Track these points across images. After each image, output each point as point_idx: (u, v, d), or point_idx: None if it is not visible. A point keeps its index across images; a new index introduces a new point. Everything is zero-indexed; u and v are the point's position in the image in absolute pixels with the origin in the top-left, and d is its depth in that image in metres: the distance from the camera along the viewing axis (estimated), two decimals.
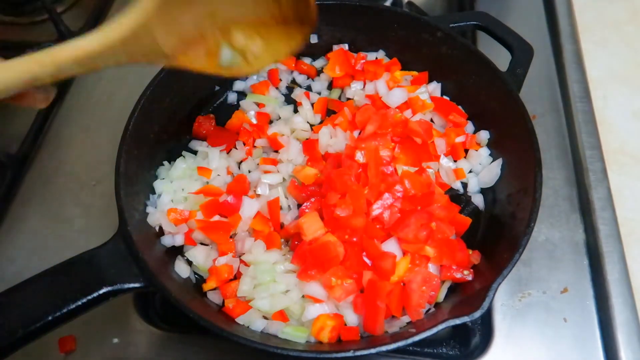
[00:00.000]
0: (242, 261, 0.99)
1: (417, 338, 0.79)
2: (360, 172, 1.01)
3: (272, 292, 0.93)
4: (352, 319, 0.92)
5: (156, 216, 1.01)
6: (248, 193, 1.06)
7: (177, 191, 1.06)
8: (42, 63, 0.62)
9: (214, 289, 0.97)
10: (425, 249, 0.94)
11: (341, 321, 0.91)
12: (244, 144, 1.15)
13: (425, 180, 1.02)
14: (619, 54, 1.41)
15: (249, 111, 1.20)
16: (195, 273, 1.01)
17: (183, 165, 1.10)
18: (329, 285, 0.91)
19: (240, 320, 0.92)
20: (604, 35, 1.45)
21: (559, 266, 1.05)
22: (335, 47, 1.26)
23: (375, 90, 1.19)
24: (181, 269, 0.98)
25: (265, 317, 0.93)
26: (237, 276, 0.98)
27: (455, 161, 1.13)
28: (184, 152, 1.13)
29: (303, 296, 0.94)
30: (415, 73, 1.22)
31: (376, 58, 1.24)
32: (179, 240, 1.01)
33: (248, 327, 0.92)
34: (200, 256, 0.99)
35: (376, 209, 0.97)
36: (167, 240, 1.00)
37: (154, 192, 1.06)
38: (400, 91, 1.16)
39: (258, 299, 0.92)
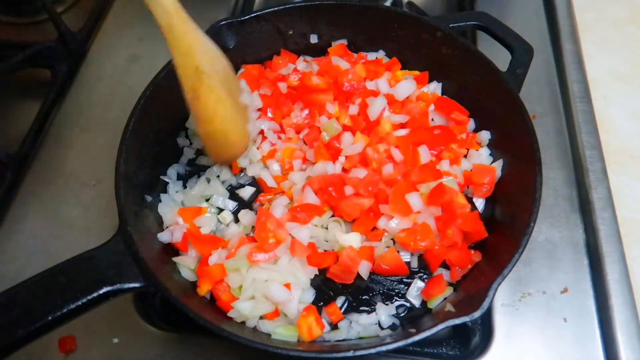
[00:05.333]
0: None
1: (417, 338, 0.79)
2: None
3: (253, 289, 0.93)
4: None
5: (169, 206, 1.04)
6: None
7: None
8: None
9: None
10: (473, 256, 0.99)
11: (316, 314, 0.91)
12: None
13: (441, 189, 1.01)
14: (619, 54, 1.41)
15: None
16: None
17: (198, 187, 1.11)
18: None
19: (232, 314, 0.92)
20: (604, 35, 1.45)
21: (559, 266, 1.05)
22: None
23: (376, 88, 1.19)
24: (186, 272, 0.98)
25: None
26: None
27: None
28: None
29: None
30: (416, 73, 1.21)
31: (376, 58, 1.24)
32: (176, 237, 1.00)
33: (244, 323, 0.92)
34: (192, 262, 0.99)
35: None
36: (164, 237, 1.00)
37: (153, 191, 1.06)
38: (408, 83, 1.16)
39: (240, 301, 0.93)
